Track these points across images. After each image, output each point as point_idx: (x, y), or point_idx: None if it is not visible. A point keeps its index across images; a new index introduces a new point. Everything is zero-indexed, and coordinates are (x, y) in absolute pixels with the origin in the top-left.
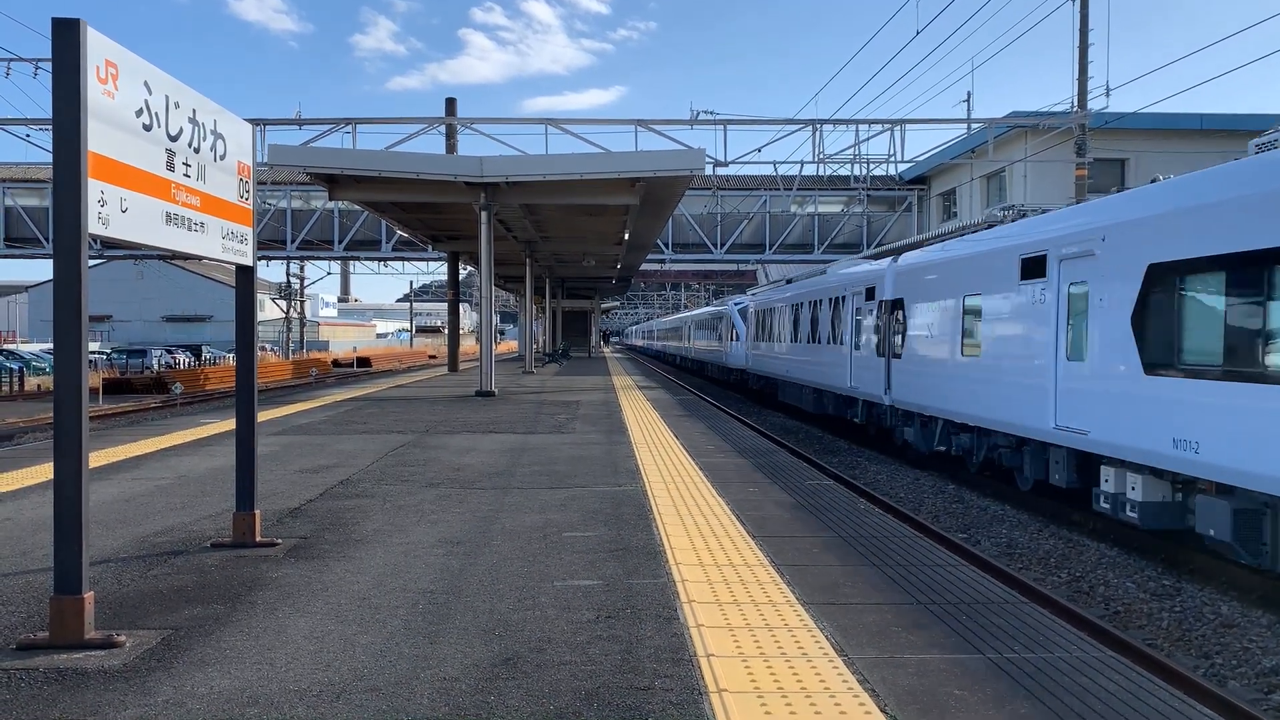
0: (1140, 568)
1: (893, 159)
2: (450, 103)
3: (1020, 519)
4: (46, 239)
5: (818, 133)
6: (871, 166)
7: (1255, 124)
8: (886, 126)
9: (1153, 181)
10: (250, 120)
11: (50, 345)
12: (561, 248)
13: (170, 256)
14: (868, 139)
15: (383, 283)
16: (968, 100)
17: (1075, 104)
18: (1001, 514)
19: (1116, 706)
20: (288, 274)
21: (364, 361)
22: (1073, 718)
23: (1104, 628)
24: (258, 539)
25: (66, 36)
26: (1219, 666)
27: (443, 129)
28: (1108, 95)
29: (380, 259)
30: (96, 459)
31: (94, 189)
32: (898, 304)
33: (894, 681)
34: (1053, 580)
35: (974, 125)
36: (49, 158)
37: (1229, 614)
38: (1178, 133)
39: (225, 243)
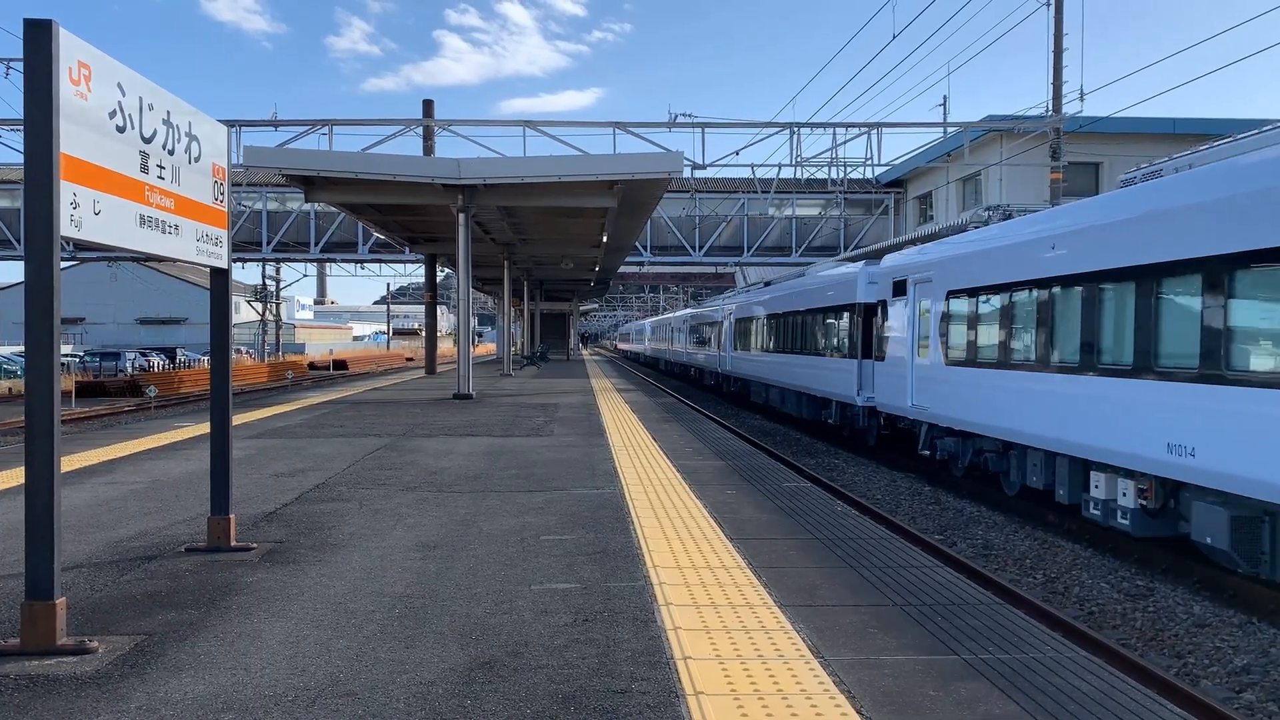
0: (1114, 568)
1: (870, 162)
2: (427, 104)
3: (996, 520)
4: (18, 241)
5: (795, 136)
6: (849, 169)
7: (1226, 128)
8: (864, 130)
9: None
10: (225, 121)
11: (22, 348)
12: (540, 250)
13: (144, 258)
14: (845, 142)
15: (359, 285)
16: (944, 104)
17: (1050, 108)
18: (978, 516)
19: (1090, 706)
20: (263, 276)
21: (340, 364)
22: (1047, 718)
23: (1079, 628)
24: (233, 543)
25: (39, 37)
26: (1191, 666)
27: (420, 131)
28: (1082, 99)
29: (357, 261)
30: (69, 463)
31: (66, 191)
32: None
33: (870, 683)
34: (1028, 581)
35: (950, 129)
36: (20, 159)
37: (1201, 614)
38: (1150, 136)
39: (200, 245)
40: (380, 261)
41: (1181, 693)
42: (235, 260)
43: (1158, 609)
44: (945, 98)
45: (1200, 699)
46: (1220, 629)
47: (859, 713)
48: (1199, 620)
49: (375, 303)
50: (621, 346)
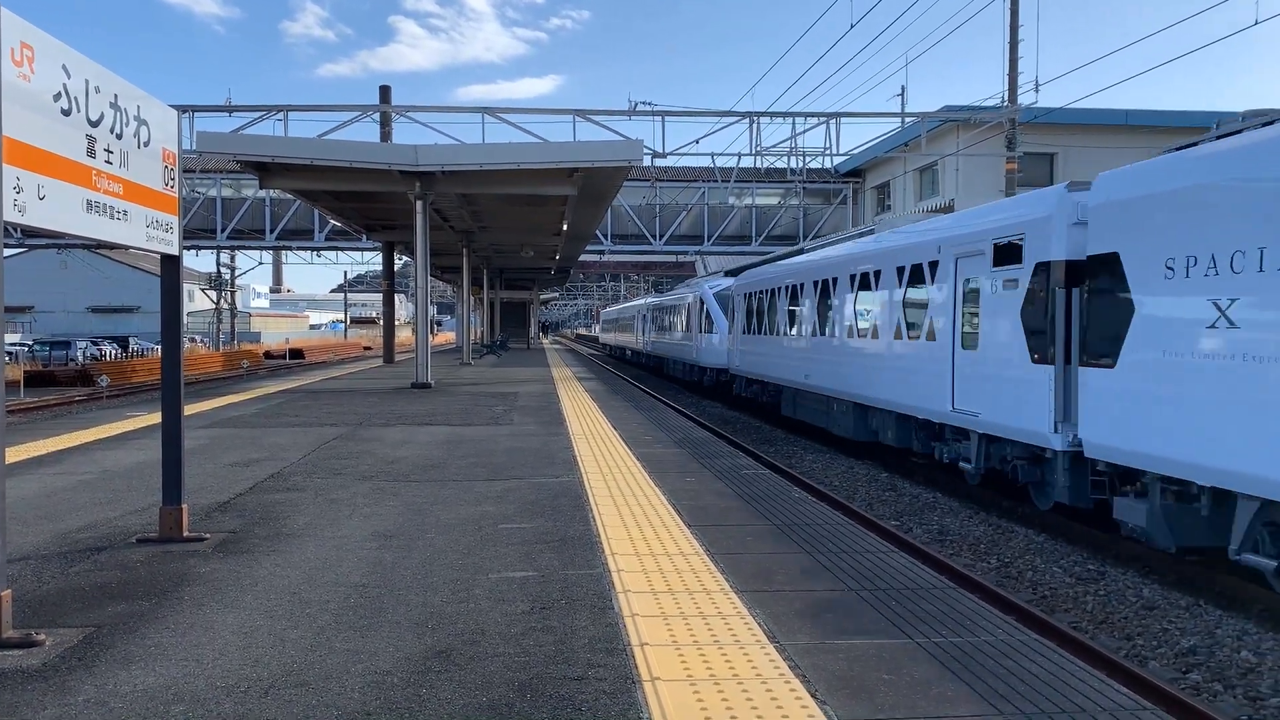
0: (1067, 553)
1: (829, 152)
2: (385, 90)
3: (951, 506)
4: None
5: (755, 125)
6: (808, 159)
7: (1178, 120)
8: (822, 119)
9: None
10: (178, 107)
11: None
12: (499, 238)
13: (95, 245)
14: (804, 131)
15: (316, 273)
16: (902, 94)
17: (1006, 98)
18: (934, 501)
19: (1040, 688)
20: (218, 264)
21: (297, 353)
22: (998, 699)
23: (1031, 611)
24: (185, 534)
25: None
26: (1140, 647)
27: (377, 117)
28: (1037, 90)
29: (313, 249)
30: (16, 454)
31: (9, 175)
32: None
33: (825, 667)
34: (982, 566)
35: (908, 119)
36: None
37: (1150, 596)
38: (1104, 128)
39: (150, 231)
40: (337, 249)
41: (1129, 673)
42: (189, 248)
43: (1108, 592)
44: (903, 88)
45: (1148, 679)
46: (1168, 611)
47: (813, 696)
48: (1148, 603)
49: (332, 291)
50: (608, 339)
